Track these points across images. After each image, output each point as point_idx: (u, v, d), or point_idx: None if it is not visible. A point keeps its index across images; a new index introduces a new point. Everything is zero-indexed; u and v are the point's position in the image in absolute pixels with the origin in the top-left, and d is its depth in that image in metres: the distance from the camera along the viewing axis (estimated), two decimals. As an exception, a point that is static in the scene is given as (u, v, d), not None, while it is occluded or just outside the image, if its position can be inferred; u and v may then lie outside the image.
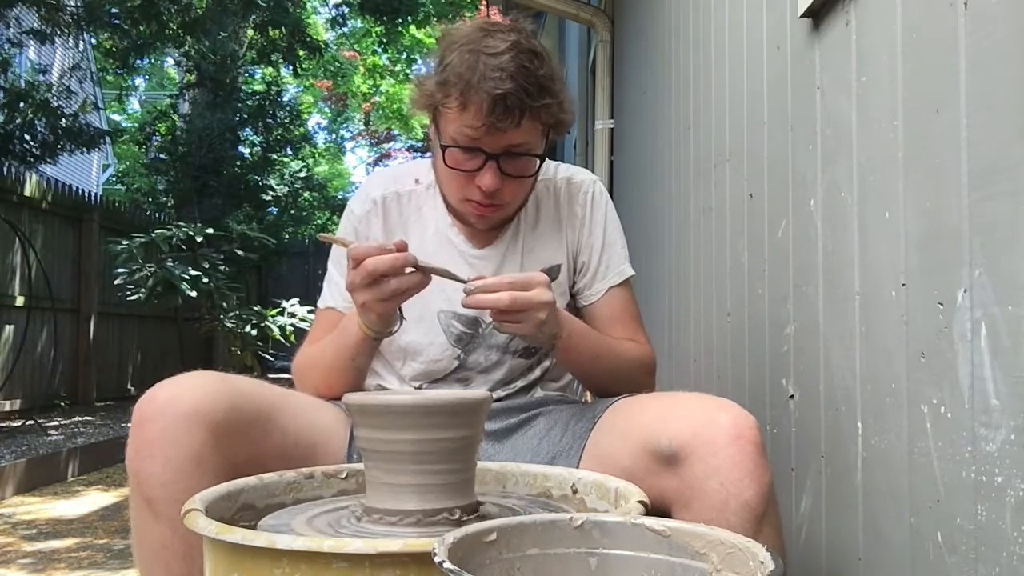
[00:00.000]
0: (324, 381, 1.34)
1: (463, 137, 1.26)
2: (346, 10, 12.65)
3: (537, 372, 1.42)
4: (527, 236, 1.42)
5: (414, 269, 1.16)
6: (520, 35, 1.26)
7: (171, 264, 6.77)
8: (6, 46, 7.41)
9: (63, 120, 7.54)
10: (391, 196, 1.44)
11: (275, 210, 11.45)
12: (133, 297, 6.78)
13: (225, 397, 1.09)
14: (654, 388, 1.43)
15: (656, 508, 1.07)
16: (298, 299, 7.44)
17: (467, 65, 1.22)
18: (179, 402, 1.05)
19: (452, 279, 1.19)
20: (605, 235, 1.45)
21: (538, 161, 1.33)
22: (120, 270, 6.79)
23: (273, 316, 7.44)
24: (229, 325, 7.24)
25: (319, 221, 13.92)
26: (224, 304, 7.25)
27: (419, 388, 1.40)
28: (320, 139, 21.56)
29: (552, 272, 1.40)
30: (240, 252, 7.68)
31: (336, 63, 19.24)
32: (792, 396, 1.42)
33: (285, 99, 11.91)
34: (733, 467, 1.00)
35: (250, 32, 10.56)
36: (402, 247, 1.14)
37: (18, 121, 7.24)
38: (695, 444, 1.02)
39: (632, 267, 1.50)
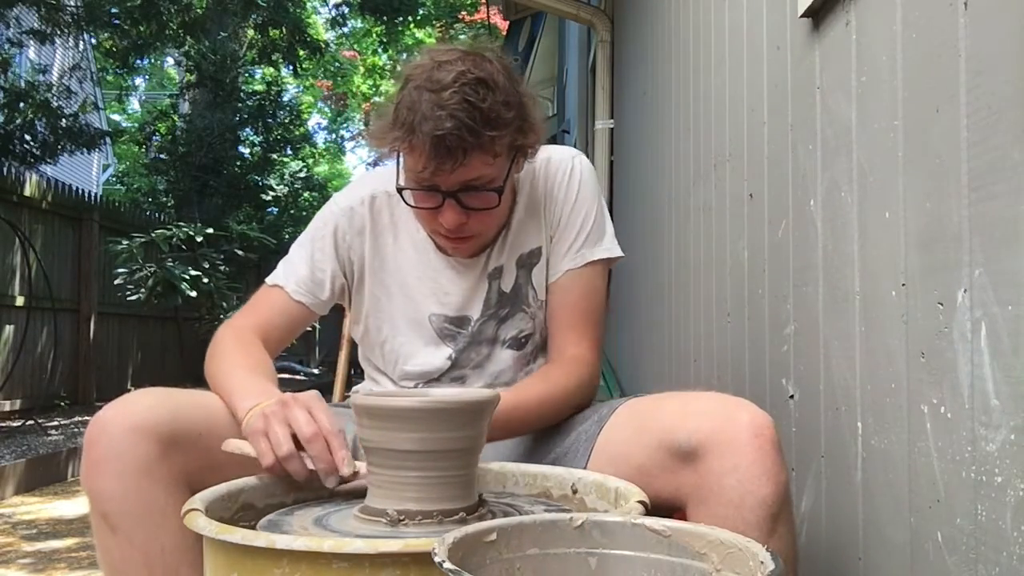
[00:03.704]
0: (213, 383, 1.25)
1: (417, 177, 1.23)
2: (346, 10, 12.67)
3: (534, 367, 1.42)
4: (510, 226, 1.39)
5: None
6: (471, 63, 1.21)
7: (171, 264, 6.78)
8: (6, 46, 7.41)
9: (63, 120, 7.54)
10: (381, 195, 1.40)
11: (275, 210, 11.46)
12: (133, 297, 6.79)
13: (168, 409, 1.10)
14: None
15: (672, 504, 1.07)
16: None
17: (410, 105, 1.18)
18: (123, 418, 1.06)
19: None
20: (574, 209, 1.37)
21: (502, 191, 1.27)
22: (120, 270, 6.80)
23: (273, 316, 7.41)
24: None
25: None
26: (224, 304, 7.26)
27: (415, 387, 1.40)
28: (320, 139, 21.60)
29: (533, 256, 1.38)
30: (240, 252, 7.69)
31: (336, 63, 19.26)
32: (792, 396, 1.42)
33: (285, 99, 11.93)
34: (751, 464, 1.01)
35: (250, 32, 10.58)
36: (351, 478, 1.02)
37: (18, 121, 7.25)
38: (714, 441, 1.03)
39: (615, 249, 1.40)
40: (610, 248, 1.39)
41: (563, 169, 1.39)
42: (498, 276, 1.39)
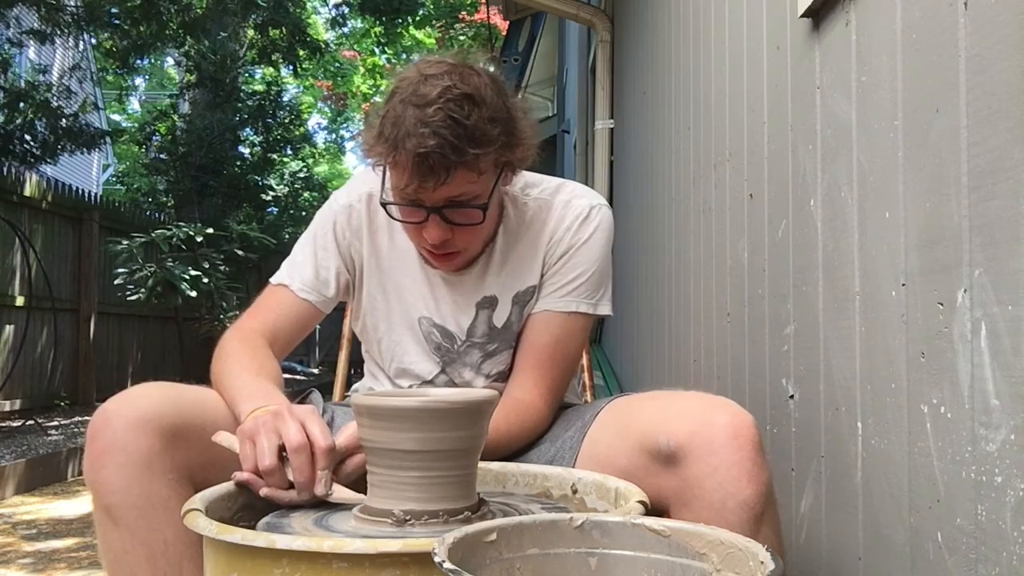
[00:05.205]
0: (217, 385, 1.24)
1: (401, 193, 1.22)
2: (346, 10, 12.66)
3: None
4: (507, 255, 1.37)
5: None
6: (457, 77, 1.18)
7: (171, 264, 6.78)
8: (6, 46, 7.41)
9: (63, 120, 7.54)
10: (378, 194, 1.36)
11: (275, 210, 11.47)
12: (133, 297, 6.78)
13: (171, 403, 1.10)
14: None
15: (654, 508, 1.07)
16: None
17: (395, 120, 1.16)
18: (126, 412, 1.06)
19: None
20: (576, 253, 1.35)
21: (486, 208, 1.25)
22: (120, 270, 6.79)
23: (273, 316, 7.40)
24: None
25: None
26: (224, 304, 7.25)
27: (410, 387, 1.40)
28: (320, 139, 21.61)
29: (528, 294, 1.37)
30: (240, 252, 7.68)
31: (336, 63, 19.26)
32: (792, 396, 1.42)
33: (285, 99, 11.93)
34: (731, 466, 1.00)
35: (250, 32, 10.57)
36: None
37: (18, 121, 7.25)
38: (693, 443, 1.02)
39: (604, 308, 1.37)
40: (599, 305, 1.37)
41: (579, 214, 1.36)
42: (487, 306, 1.37)
